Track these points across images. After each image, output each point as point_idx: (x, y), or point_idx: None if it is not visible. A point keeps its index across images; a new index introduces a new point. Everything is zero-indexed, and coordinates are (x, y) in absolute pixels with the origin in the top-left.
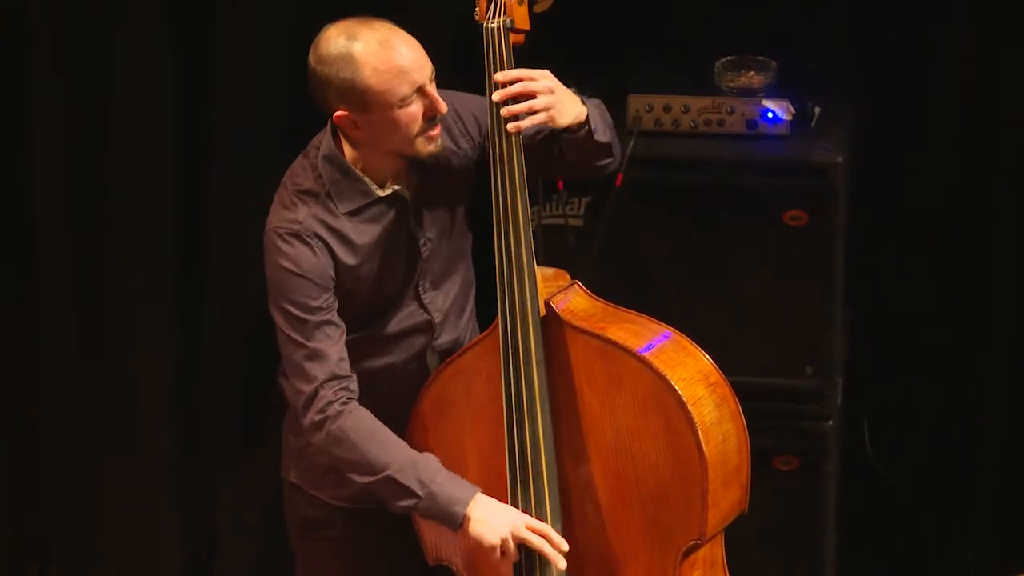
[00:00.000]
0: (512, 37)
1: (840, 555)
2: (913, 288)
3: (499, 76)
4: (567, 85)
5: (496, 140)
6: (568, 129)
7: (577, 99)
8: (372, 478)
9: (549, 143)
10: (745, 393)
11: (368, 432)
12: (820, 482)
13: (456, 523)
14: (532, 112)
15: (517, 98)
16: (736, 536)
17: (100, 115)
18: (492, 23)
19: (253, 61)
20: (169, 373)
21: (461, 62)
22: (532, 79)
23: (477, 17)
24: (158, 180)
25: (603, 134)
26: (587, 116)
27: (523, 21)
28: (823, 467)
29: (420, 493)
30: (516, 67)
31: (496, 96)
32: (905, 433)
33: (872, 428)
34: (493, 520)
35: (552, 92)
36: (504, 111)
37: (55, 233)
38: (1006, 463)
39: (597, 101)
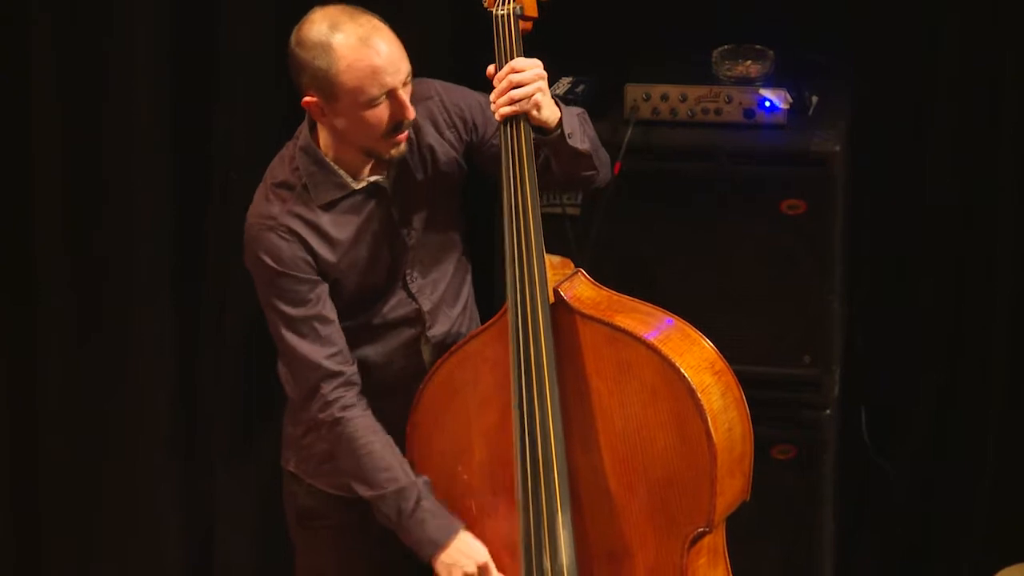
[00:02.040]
0: (521, 24)
1: (838, 544)
2: (911, 277)
3: (490, 69)
4: (565, 75)
5: (505, 129)
6: (542, 130)
7: (552, 101)
8: (360, 490)
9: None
10: (743, 382)
11: (364, 446)
12: (817, 471)
13: (425, 559)
14: (514, 101)
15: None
16: (734, 525)
17: (100, 114)
18: (501, 10)
19: (253, 61)
20: (169, 371)
21: (460, 54)
22: (521, 69)
23: (486, 4)
24: (158, 180)
25: (580, 141)
26: (560, 120)
27: (531, 8)
28: (821, 456)
29: (396, 523)
30: (525, 55)
31: (493, 96)
32: (903, 422)
33: (870, 417)
34: (460, 563)
35: (541, 79)
36: (493, 108)
37: (55, 233)
38: (1005, 452)
39: (580, 111)
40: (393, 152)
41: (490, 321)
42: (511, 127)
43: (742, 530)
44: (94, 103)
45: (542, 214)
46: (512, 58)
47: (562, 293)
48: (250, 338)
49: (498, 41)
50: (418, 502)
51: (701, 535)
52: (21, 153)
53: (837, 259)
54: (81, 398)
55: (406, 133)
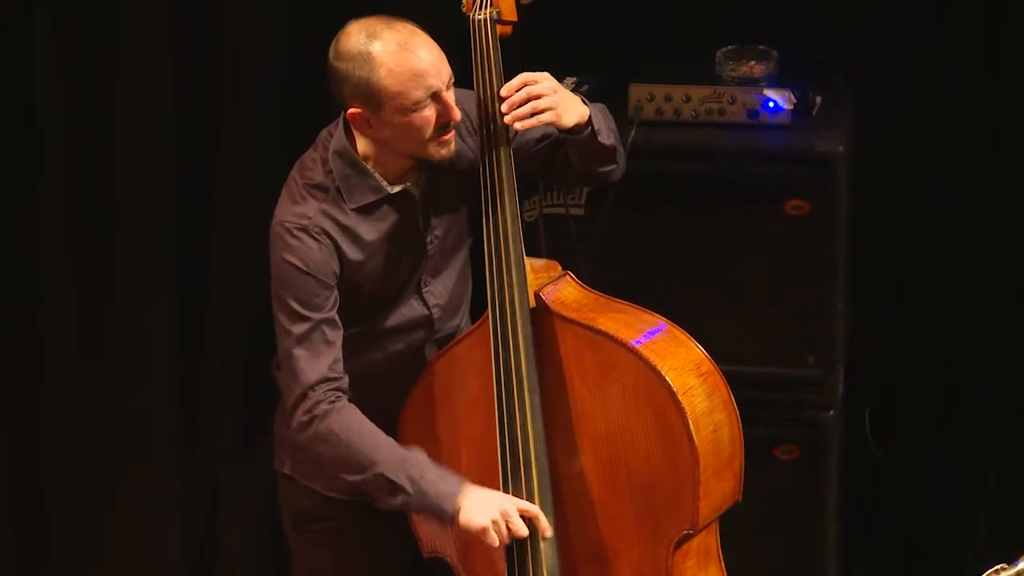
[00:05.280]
0: (499, 28)
1: (841, 544)
2: (914, 277)
3: (504, 91)
4: (569, 75)
5: (484, 132)
6: (572, 130)
7: (579, 100)
8: (360, 476)
9: (553, 149)
10: (746, 382)
11: (356, 430)
12: (821, 471)
13: (447, 517)
14: (537, 112)
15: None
16: (737, 525)
17: (102, 114)
18: (479, 15)
19: (256, 61)
20: (171, 371)
21: (460, 58)
22: (535, 81)
23: (464, 9)
24: (160, 180)
25: (607, 137)
26: (590, 117)
27: (510, 12)
28: (824, 457)
29: (410, 489)
30: (502, 59)
31: (505, 108)
32: (907, 422)
33: (873, 417)
34: (482, 506)
35: (555, 92)
36: (509, 117)
37: (57, 233)
38: (1008, 451)
39: (601, 106)
40: (444, 152)
41: (474, 325)
42: (490, 133)
43: (745, 530)
44: (98, 103)
45: (545, 215)
46: (491, 63)
47: (543, 296)
48: (252, 338)
49: (475, 46)
50: (425, 464)
51: (687, 537)
52: (24, 153)
53: (841, 259)
54: (83, 398)
55: (452, 133)
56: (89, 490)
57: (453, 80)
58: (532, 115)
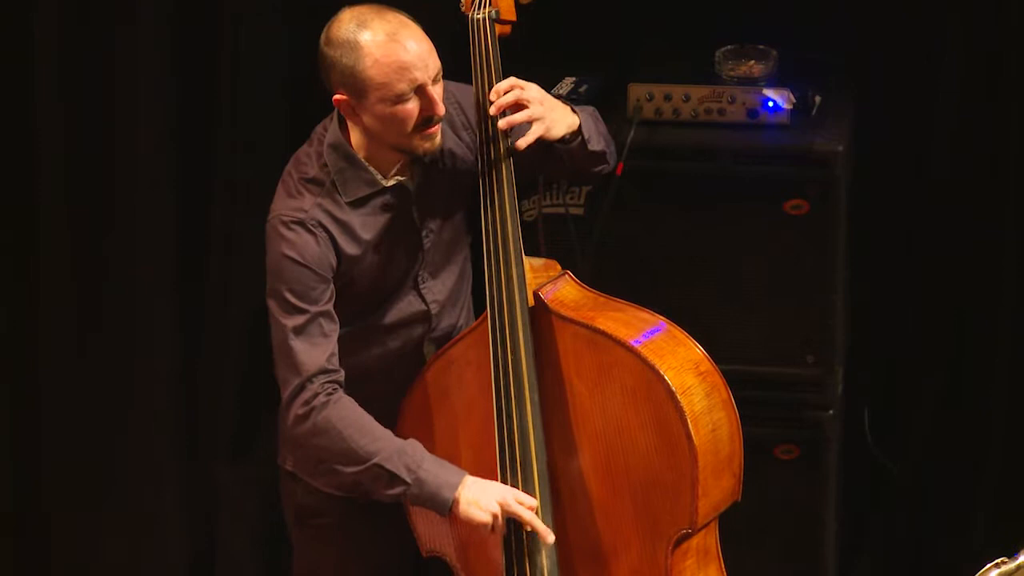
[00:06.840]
0: (498, 28)
1: (840, 544)
2: (914, 276)
3: (493, 95)
4: (567, 74)
5: (482, 131)
6: (562, 140)
7: (568, 110)
8: (359, 467)
9: (547, 145)
10: (746, 382)
11: (354, 421)
12: (820, 471)
13: (446, 507)
14: (522, 107)
15: (514, 107)
16: (736, 525)
17: (102, 114)
18: (478, 14)
19: (256, 61)
20: (171, 370)
21: (459, 56)
22: (522, 87)
23: (463, 8)
24: (160, 180)
25: (596, 143)
26: (580, 126)
27: (509, 12)
28: (824, 456)
29: (408, 479)
30: (501, 58)
31: (492, 110)
32: (906, 422)
33: (873, 417)
34: (482, 498)
35: (542, 104)
36: (503, 123)
37: (57, 232)
38: (1008, 450)
39: (591, 109)
40: (427, 146)
41: (474, 324)
42: (487, 131)
43: (745, 529)
44: (98, 103)
45: (545, 214)
46: (489, 62)
47: (542, 295)
48: (252, 336)
49: (475, 45)
50: (423, 454)
51: (686, 536)
52: (24, 153)
53: (840, 259)
54: (83, 397)
55: (437, 127)
56: (89, 489)
57: (441, 73)
58: (518, 111)
